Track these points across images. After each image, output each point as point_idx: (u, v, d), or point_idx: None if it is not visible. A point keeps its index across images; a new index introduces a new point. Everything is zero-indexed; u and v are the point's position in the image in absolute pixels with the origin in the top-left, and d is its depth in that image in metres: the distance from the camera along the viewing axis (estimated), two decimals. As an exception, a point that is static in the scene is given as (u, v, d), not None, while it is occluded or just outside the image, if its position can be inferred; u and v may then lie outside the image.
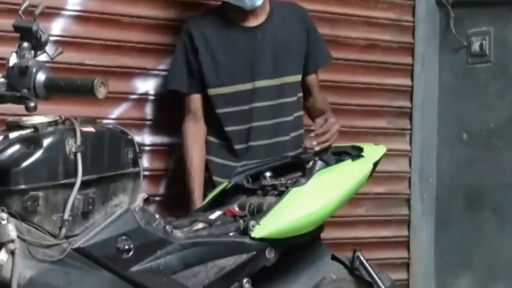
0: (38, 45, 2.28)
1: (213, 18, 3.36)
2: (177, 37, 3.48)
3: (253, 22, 3.32)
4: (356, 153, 2.94)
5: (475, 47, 4.20)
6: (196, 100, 3.34)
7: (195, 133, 3.34)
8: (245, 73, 3.29)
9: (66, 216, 2.21)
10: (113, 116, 3.50)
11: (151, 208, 3.39)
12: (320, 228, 2.86)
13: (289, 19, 3.39)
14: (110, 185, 2.35)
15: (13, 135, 2.22)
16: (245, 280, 2.64)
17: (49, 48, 2.34)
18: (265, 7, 3.34)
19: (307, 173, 2.82)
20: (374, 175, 3.02)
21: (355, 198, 3.61)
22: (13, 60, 2.26)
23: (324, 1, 4.06)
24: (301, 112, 3.45)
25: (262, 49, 3.30)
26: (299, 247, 2.83)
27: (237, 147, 3.32)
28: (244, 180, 2.94)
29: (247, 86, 3.29)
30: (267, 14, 3.35)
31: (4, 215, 2.11)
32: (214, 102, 3.30)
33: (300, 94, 3.44)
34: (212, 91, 3.29)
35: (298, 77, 3.40)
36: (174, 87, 3.36)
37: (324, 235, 3.47)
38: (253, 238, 2.63)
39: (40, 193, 2.18)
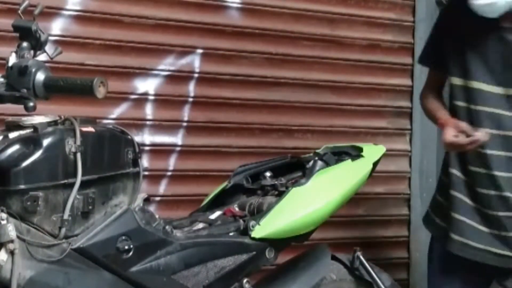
0: (37, 45, 2.28)
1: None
2: (176, 37, 3.48)
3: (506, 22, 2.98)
4: (356, 153, 2.95)
5: (475, 47, 4.19)
6: (436, 78, 3.24)
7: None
8: (483, 73, 3.01)
9: (65, 216, 2.21)
10: (113, 116, 3.49)
11: (151, 208, 3.39)
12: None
13: None
14: (110, 185, 2.35)
15: (12, 135, 2.22)
16: (245, 280, 2.64)
17: (48, 48, 2.34)
18: None
19: (307, 173, 2.82)
20: (374, 175, 3.03)
21: (355, 198, 3.60)
22: (12, 60, 2.26)
23: (324, 1, 4.06)
24: None
25: (510, 53, 3.00)
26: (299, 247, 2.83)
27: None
28: (244, 180, 2.94)
29: (482, 86, 3.00)
30: None
31: (4, 215, 2.11)
32: (452, 92, 3.10)
33: None
34: (451, 79, 3.10)
35: None
36: (421, 62, 3.32)
37: (324, 235, 3.48)
38: (253, 238, 2.64)
39: (40, 193, 2.18)
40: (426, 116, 3.31)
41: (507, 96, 2.99)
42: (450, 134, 2.91)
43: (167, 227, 2.48)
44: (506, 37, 2.98)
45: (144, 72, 3.58)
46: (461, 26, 3.05)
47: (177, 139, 3.66)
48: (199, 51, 3.70)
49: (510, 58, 2.99)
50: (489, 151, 2.97)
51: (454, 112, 3.08)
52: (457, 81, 3.07)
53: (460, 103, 3.05)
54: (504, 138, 2.98)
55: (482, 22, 2.96)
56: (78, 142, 2.24)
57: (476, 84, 3.02)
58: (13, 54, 2.28)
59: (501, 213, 2.99)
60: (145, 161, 3.49)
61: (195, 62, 3.70)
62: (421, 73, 4.34)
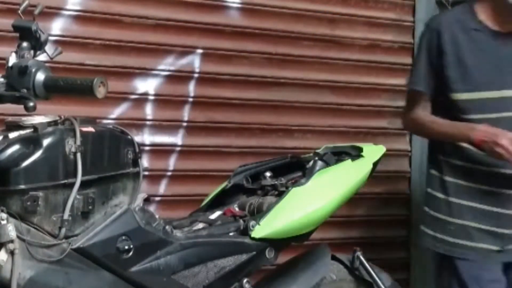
0: (37, 45, 2.28)
1: (463, 17, 3.08)
2: (176, 37, 3.48)
3: (508, 27, 3.05)
4: (356, 153, 2.95)
5: (476, 47, 4.19)
6: (428, 100, 3.14)
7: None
8: (493, 80, 3.06)
9: (65, 216, 2.21)
10: (113, 116, 3.50)
11: (151, 208, 3.39)
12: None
13: None
14: (110, 185, 2.35)
15: (12, 135, 2.22)
16: (245, 280, 2.64)
17: (48, 48, 2.34)
18: None
19: (307, 173, 2.82)
20: (374, 175, 3.02)
21: (355, 198, 3.60)
22: (12, 60, 2.26)
23: (324, 1, 4.06)
24: None
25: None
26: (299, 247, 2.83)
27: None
28: (244, 180, 2.94)
29: (494, 94, 3.05)
30: None
31: (4, 215, 2.11)
32: (458, 108, 3.06)
33: None
34: (456, 96, 3.05)
35: None
36: (416, 87, 3.14)
37: (324, 235, 3.48)
38: (253, 238, 2.63)
39: (40, 193, 2.18)
40: (425, 134, 3.24)
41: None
42: None
43: (167, 227, 2.48)
44: (507, 41, 3.04)
45: (144, 72, 3.58)
46: (458, 40, 3.06)
47: (177, 139, 3.66)
48: (199, 51, 3.71)
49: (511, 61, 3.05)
50: None
51: None
52: (466, 96, 3.05)
53: (475, 116, 3.03)
54: None
55: (478, 33, 3.03)
56: (78, 142, 2.24)
57: (498, 93, 3.05)
58: (13, 54, 2.28)
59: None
60: (145, 161, 3.49)
61: (195, 62, 3.71)
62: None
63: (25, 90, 2.21)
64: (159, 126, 3.62)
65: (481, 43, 3.07)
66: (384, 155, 3.05)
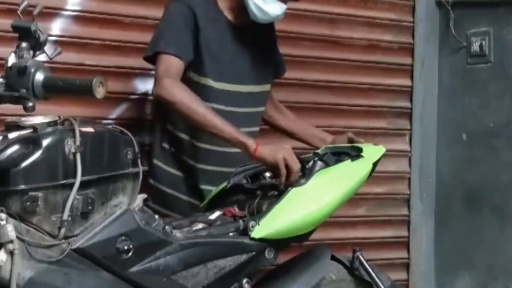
0: (37, 45, 2.28)
1: (205, 3, 3.08)
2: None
3: (242, 21, 3.10)
4: (355, 153, 2.95)
5: (475, 47, 4.20)
6: (180, 69, 2.99)
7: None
8: (233, 73, 3.10)
9: (65, 217, 2.21)
10: (113, 116, 3.49)
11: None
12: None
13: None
14: (109, 186, 2.35)
15: (12, 135, 2.22)
16: (244, 281, 2.64)
17: (48, 48, 2.34)
18: None
19: (306, 173, 2.82)
20: (374, 175, 3.02)
21: (355, 198, 3.60)
22: (11, 60, 2.26)
23: (324, 1, 4.06)
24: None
25: (249, 52, 3.13)
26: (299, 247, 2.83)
27: (200, 145, 3.10)
28: (244, 180, 2.94)
29: (234, 87, 3.11)
30: None
31: (3, 216, 2.11)
32: (198, 91, 2.98)
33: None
34: (198, 79, 3.05)
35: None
36: (177, 53, 2.97)
37: (324, 235, 3.48)
38: (253, 239, 2.63)
39: (39, 194, 2.18)
40: (182, 108, 2.90)
41: (250, 94, 3.12)
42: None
43: (166, 227, 2.48)
44: (246, 35, 3.10)
45: (144, 72, 3.58)
46: (211, 28, 3.06)
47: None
48: (199, 51, 3.70)
49: (255, 57, 3.11)
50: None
51: None
52: (212, 83, 3.06)
53: (217, 106, 3.04)
54: (253, 133, 3.11)
55: (228, 26, 3.08)
56: (78, 143, 2.24)
57: (235, 87, 3.10)
58: (13, 55, 2.28)
59: None
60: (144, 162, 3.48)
61: (194, 62, 3.70)
62: (421, 73, 4.35)
63: (24, 90, 2.21)
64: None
65: (221, 33, 3.08)
66: (384, 156, 3.05)
